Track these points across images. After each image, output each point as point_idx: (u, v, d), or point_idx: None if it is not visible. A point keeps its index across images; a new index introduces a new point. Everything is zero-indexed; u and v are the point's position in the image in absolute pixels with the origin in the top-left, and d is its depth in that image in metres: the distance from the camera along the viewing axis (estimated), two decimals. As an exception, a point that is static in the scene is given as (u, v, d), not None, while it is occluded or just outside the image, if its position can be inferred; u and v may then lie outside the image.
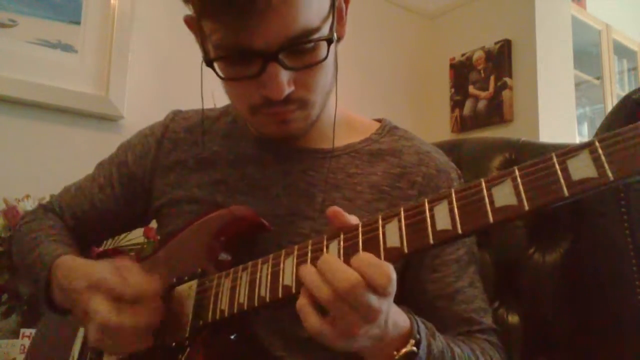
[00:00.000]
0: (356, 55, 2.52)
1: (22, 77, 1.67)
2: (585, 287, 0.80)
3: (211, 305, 0.65)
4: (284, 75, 0.63)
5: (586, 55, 2.90)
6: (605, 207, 0.74)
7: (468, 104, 2.63)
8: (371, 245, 0.53)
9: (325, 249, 0.56)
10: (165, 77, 1.98)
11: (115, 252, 0.88)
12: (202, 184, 0.79)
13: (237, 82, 0.66)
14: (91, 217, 0.88)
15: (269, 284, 0.60)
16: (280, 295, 0.58)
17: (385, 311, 0.52)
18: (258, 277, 0.61)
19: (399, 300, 0.57)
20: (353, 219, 0.56)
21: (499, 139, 1.01)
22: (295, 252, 0.59)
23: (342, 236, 0.56)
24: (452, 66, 2.74)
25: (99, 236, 0.96)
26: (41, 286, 0.77)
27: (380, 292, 0.50)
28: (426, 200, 0.52)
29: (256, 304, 0.60)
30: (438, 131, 2.74)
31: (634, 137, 0.42)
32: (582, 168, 0.43)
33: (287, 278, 0.58)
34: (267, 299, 0.59)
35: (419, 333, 0.57)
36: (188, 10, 0.68)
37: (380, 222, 0.54)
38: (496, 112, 2.51)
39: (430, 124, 2.80)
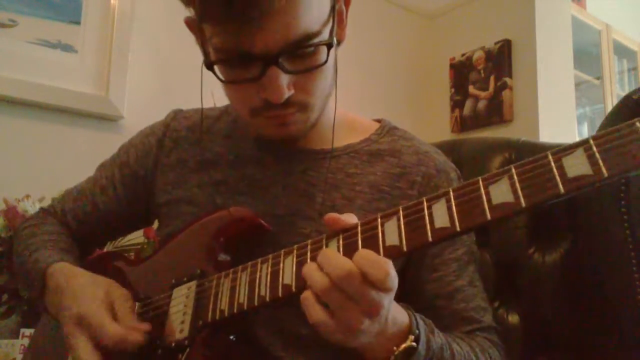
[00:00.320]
0: (356, 55, 2.52)
1: (22, 77, 1.67)
2: (585, 287, 0.80)
3: (211, 305, 0.66)
4: (284, 79, 0.63)
5: (586, 55, 2.90)
6: (605, 207, 0.74)
7: (468, 104, 2.63)
8: (370, 243, 0.54)
9: (324, 248, 0.56)
10: (165, 77, 1.99)
11: (113, 256, 0.87)
12: (202, 184, 0.79)
13: (237, 85, 0.66)
14: (94, 218, 0.88)
15: (268, 283, 0.60)
16: (280, 294, 0.58)
17: (387, 307, 0.52)
18: (258, 276, 0.62)
19: (399, 300, 0.58)
20: (352, 218, 0.57)
21: (499, 139, 1.02)
22: (295, 252, 0.59)
23: (341, 235, 0.56)
24: (452, 66, 2.74)
25: (102, 238, 0.96)
26: (36, 294, 0.77)
27: (378, 286, 0.50)
28: (424, 199, 0.53)
29: (256, 304, 0.61)
30: (438, 131, 2.74)
31: (627, 134, 0.43)
32: (577, 165, 0.44)
33: (287, 277, 0.58)
34: (267, 299, 0.60)
35: (418, 329, 0.58)
36: (188, 11, 0.68)
37: (379, 220, 0.54)
38: (496, 112, 2.51)
39: (430, 124, 2.80)
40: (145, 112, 1.84)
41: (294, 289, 0.57)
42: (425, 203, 0.52)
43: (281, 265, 0.60)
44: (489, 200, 0.48)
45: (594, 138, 0.44)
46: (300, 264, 0.58)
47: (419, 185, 0.75)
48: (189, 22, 0.71)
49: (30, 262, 0.80)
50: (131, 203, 0.87)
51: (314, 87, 0.68)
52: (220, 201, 0.76)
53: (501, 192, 0.48)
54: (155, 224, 0.91)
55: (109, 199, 0.87)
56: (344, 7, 0.72)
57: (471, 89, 2.63)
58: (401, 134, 0.81)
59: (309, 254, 0.58)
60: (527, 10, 2.49)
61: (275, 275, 0.60)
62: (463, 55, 2.69)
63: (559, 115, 2.50)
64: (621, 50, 3.08)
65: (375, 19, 2.68)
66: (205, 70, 0.66)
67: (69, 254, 0.82)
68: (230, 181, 0.78)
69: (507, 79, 2.49)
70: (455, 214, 0.50)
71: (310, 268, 0.54)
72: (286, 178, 0.76)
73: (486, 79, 2.57)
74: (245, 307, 0.62)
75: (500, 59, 2.52)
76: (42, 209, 0.94)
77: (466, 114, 2.64)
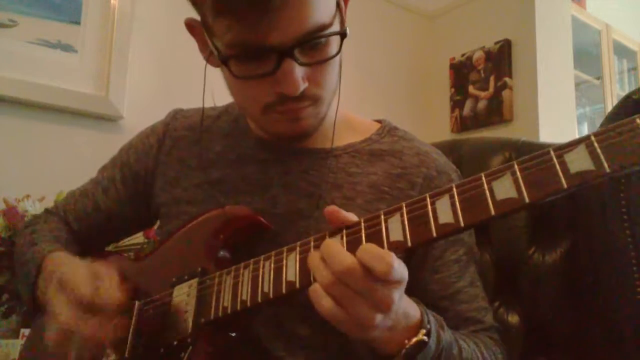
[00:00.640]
0: (356, 55, 2.52)
1: (22, 77, 1.67)
2: (585, 286, 0.80)
3: (213, 303, 0.66)
4: (299, 71, 0.64)
5: (586, 55, 2.90)
6: (606, 208, 0.74)
7: (468, 104, 2.63)
8: (374, 239, 0.54)
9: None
10: (165, 77, 1.98)
11: (114, 256, 0.88)
12: (202, 184, 0.80)
13: (249, 82, 0.66)
14: (96, 219, 0.89)
15: (272, 280, 0.60)
16: (284, 291, 0.58)
17: (398, 301, 0.53)
18: (261, 273, 0.62)
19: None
20: (351, 217, 0.57)
21: (499, 139, 1.02)
22: (298, 248, 0.59)
23: (344, 231, 0.56)
24: (452, 66, 2.74)
25: (104, 239, 0.97)
26: (29, 282, 0.77)
27: (383, 279, 0.50)
28: (428, 195, 0.53)
29: (259, 300, 0.61)
30: (438, 131, 2.74)
31: (628, 130, 0.43)
32: (579, 161, 0.45)
33: (291, 274, 0.58)
34: (271, 295, 0.60)
35: (429, 323, 0.58)
36: (189, 11, 0.68)
37: (382, 217, 0.55)
38: (496, 112, 2.51)
39: (430, 124, 2.80)
40: (145, 112, 1.84)
41: (297, 285, 0.57)
42: (428, 199, 0.52)
43: (284, 262, 0.60)
44: (492, 196, 0.48)
45: (595, 134, 0.45)
46: (303, 261, 0.58)
47: (420, 186, 0.75)
48: (191, 24, 0.71)
49: (28, 256, 0.81)
50: (133, 203, 0.87)
51: (325, 80, 0.68)
52: (220, 200, 0.76)
53: (504, 188, 0.48)
54: (156, 224, 0.91)
55: (111, 199, 0.87)
56: (343, 3, 0.73)
57: (471, 89, 2.63)
58: (402, 135, 0.82)
59: (312, 250, 0.58)
60: (527, 10, 2.49)
61: (278, 271, 0.60)
62: (463, 55, 2.68)
63: (559, 115, 2.50)
64: (621, 50, 3.08)
65: (375, 19, 2.68)
66: (200, 70, 0.66)
67: (66, 247, 0.82)
68: (231, 180, 0.78)
69: (507, 79, 2.49)
70: (459, 210, 0.50)
71: (314, 260, 0.54)
72: (286, 177, 0.76)
73: (486, 79, 2.57)
74: (248, 304, 0.62)
75: (500, 59, 2.52)
76: (45, 210, 0.95)
77: (466, 114, 2.64)
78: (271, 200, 0.75)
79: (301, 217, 0.73)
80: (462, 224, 0.50)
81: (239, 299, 0.63)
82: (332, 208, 0.57)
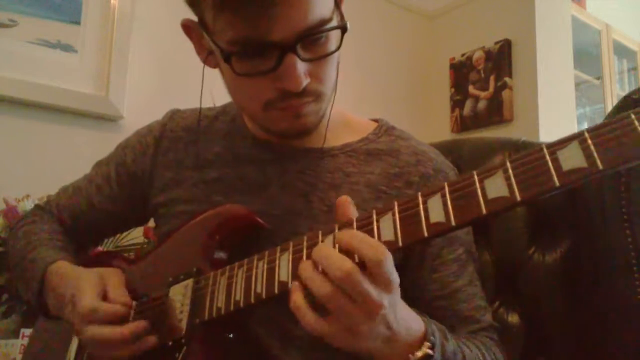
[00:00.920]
0: (356, 55, 2.52)
1: (22, 77, 1.67)
2: (585, 286, 0.80)
3: (207, 303, 0.65)
4: (301, 67, 0.64)
5: (586, 55, 2.90)
6: (606, 207, 0.74)
7: (468, 104, 2.63)
8: None
9: (320, 243, 0.56)
10: (165, 77, 1.98)
11: (112, 256, 0.88)
12: (199, 184, 0.79)
13: (250, 79, 0.65)
14: (89, 217, 0.89)
15: (264, 280, 0.60)
16: (276, 291, 0.58)
17: (388, 307, 0.52)
18: (254, 273, 0.62)
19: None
20: (355, 215, 0.57)
21: (499, 139, 1.01)
22: (291, 248, 0.59)
23: (337, 231, 0.56)
24: (452, 66, 2.74)
25: (98, 236, 0.97)
26: (35, 291, 0.78)
27: (374, 270, 0.49)
28: (419, 194, 0.52)
29: (252, 301, 0.61)
30: (438, 131, 2.74)
31: (622, 127, 0.42)
32: (571, 158, 0.44)
33: (283, 274, 0.58)
34: (263, 295, 0.60)
35: (433, 336, 0.57)
36: (189, 11, 0.68)
37: (374, 216, 0.54)
38: (496, 112, 2.51)
39: (430, 123, 2.80)
40: (145, 112, 1.82)
41: (290, 285, 0.57)
42: (420, 198, 0.52)
43: (277, 262, 0.60)
44: (484, 195, 0.48)
45: (589, 131, 0.44)
46: (296, 261, 0.57)
47: (417, 185, 0.75)
48: (187, 25, 0.71)
49: (27, 262, 0.81)
50: (127, 202, 0.87)
51: (326, 76, 0.68)
52: (217, 200, 0.76)
53: (496, 186, 0.48)
54: (154, 223, 0.91)
55: (105, 198, 0.87)
56: None
57: (471, 89, 2.63)
58: (399, 134, 0.81)
59: (305, 250, 0.57)
60: (527, 10, 2.49)
61: (271, 272, 0.60)
62: (463, 55, 2.68)
63: (559, 115, 2.50)
64: (621, 50, 3.08)
65: (375, 19, 2.68)
66: (198, 70, 0.66)
67: (65, 253, 0.82)
68: (228, 180, 0.78)
69: (507, 79, 2.49)
70: (450, 209, 0.50)
71: (307, 270, 0.53)
72: (283, 177, 0.76)
73: (486, 79, 2.57)
74: (241, 304, 0.62)
75: (500, 59, 2.52)
76: (37, 206, 0.94)
77: (466, 114, 2.64)
78: (268, 200, 0.75)
79: (298, 217, 0.73)
80: (453, 223, 0.49)
81: (232, 300, 0.63)
82: (345, 199, 0.57)
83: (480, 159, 0.97)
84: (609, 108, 2.85)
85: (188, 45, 0.75)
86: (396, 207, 0.53)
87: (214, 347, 0.66)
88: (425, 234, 0.50)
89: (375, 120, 0.84)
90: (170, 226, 0.79)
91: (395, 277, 0.51)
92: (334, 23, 0.66)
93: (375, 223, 0.54)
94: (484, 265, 0.89)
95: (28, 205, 1.39)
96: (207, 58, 0.72)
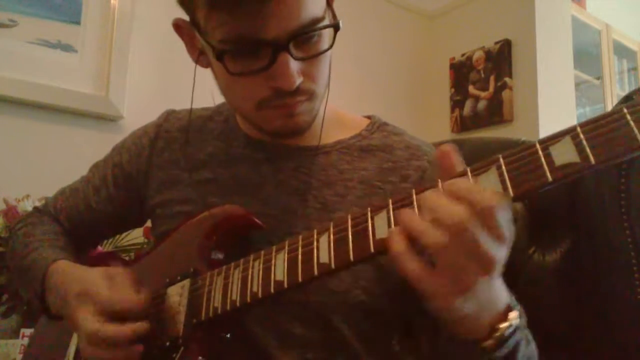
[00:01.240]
0: (356, 54, 2.52)
1: (22, 77, 1.67)
2: (585, 287, 0.80)
3: (204, 304, 0.66)
4: (295, 65, 0.64)
5: (586, 55, 2.90)
6: (605, 207, 0.74)
7: (468, 104, 2.63)
8: (361, 237, 0.53)
9: (315, 243, 0.56)
10: (165, 77, 1.98)
11: (109, 256, 0.88)
12: (194, 184, 0.79)
13: (243, 78, 0.65)
14: (87, 219, 0.89)
15: (261, 280, 0.60)
16: (272, 290, 0.58)
17: (499, 264, 0.47)
18: (250, 273, 0.62)
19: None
20: (459, 166, 0.51)
21: (499, 139, 1.01)
22: (286, 247, 0.59)
23: (331, 229, 0.56)
24: (452, 66, 2.74)
25: (96, 237, 0.97)
26: (37, 292, 0.78)
27: (487, 219, 0.44)
28: (413, 190, 0.52)
29: (249, 300, 0.61)
30: (438, 131, 2.74)
31: (614, 121, 0.42)
32: (564, 153, 0.44)
33: (279, 273, 0.58)
34: (260, 295, 0.60)
35: (517, 304, 0.56)
36: (182, 12, 0.68)
37: (369, 214, 0.54)
38: (496, 112, 2.51)
39: (430, 124, 2.80)
40: (145, 112, 1.82)
41: (285, 285, 0.57)
42: (414, 195, 0.51)
43: (273, 261, 0.60)
44: None
45: (582, 125, 0.44)
46: (291, 260, 0.57)
47: (413, 178, 0.75)
48: (179, 24, 0.71)
49: (28, 262, 0.81)
50: (124, 204, 0.87)
51: (319, 75, 0.68)
52: (213, 201, 0.76)
53: (489, 183, 0.47)
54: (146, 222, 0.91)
55: (102, 199, 0.87)
56: None
57: (471, 89, 2.63)
58: (391, 130, 0.82)
59: (300, 249, 0.57)
60: (527, 10, 2.49)
61: (267, 271, 0.60)
62: (463, 55, 2.69)
63: (559, 115, 2.50)
64: (621, 50, 3.08)
65: (375, 19, 2.68)
66: (200, 70, 0.66)
67: (66, 252, 0.82)
68: (222, 181, 0.78)
69: (507, 79, 2.49)
70: None
71: (414, 219, 0.47)
72: (277, 176, 0.76)
73: (486, 79, 2.57)
74: (238, 304, 0.62)
75: (500, 59, 2.52)
76: (35, 208, 0.94)
77: (466, 114, 2.64)
78: (264, 199, 0.75)
79: (293, 216, 0.73)
80: None
81: (228, 299, 0.63)
82: (449, 146, 0.51)
83: (480, 159, 0.97)
84: (609, 108, 2.85)
85: (188, 46, 0.75)
86: (390, 205, 0.53)
87: (211, 348, 0.66)
88: None
89: (368, 117, 0.84)
90: (167, 227, 0.79)
91: (506, 230, 0.46)
92: (326, 22, 0.66)
93: (370, 221, 0.53)
94: (484, 265, 0.89)
95: (28, 205, 1.39)
96: (199, 58, 0.72)
